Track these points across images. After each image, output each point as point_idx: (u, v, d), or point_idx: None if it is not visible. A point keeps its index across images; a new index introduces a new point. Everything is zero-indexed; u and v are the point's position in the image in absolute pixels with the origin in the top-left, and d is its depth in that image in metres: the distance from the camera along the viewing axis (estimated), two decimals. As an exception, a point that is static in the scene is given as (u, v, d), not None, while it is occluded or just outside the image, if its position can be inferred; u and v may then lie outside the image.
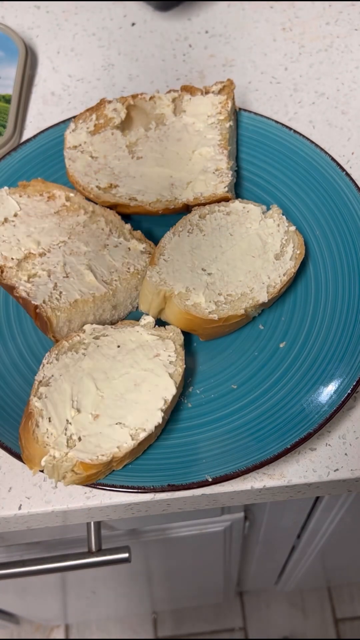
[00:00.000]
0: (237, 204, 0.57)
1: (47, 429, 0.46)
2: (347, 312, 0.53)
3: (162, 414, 0.47)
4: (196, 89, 0.63)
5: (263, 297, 0.52)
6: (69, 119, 0.63)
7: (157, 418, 0.47)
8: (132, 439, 0.46)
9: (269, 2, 0.77)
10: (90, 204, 0.59)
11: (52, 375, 0.49)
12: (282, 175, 0.60)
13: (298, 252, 0.55)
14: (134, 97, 0.62)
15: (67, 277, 0.53)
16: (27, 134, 0.69)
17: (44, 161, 0.63)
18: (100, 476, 0.47)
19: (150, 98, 0.63)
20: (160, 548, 0.87)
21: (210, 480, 0.47)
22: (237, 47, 0.74)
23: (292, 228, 0.56)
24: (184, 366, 0.50)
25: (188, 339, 0.54)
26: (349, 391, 0.49)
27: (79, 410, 0.47)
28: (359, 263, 0.55)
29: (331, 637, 1.44)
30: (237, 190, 0.61)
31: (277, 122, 0.62)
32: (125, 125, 0.62)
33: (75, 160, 0.60)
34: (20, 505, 0.50)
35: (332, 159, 0.59)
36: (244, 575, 1.21)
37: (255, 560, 1.07)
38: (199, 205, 0.57)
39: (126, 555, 0.57)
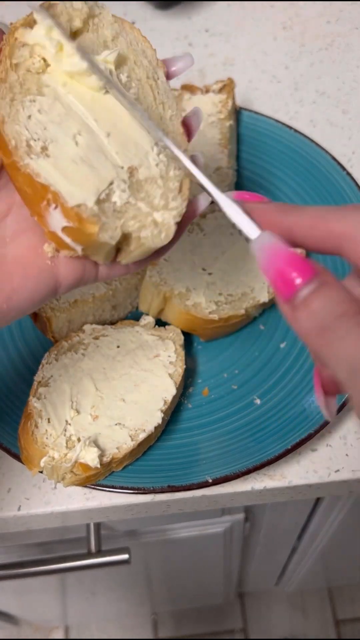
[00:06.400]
0: (237, 203, 0.57)
1: (46, 430, 0.46)
2: (349, 312, 0.53)
3: (162, 415, 0.47)
4: (196, 88, 0.62)
5: (264, 297, 0.52)
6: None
7: (157, 419, 0.47)
8: (132, 440, 0.46)
9: (270, 1, 0.77)
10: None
11: (52, 376, 0.49)
12: (282, 175, 0.60)
13: (299, 252, 0.54)
14: (133, 96, 0.62)
15: (67, 276, 0.53)
16: (27, 133, 0.69)
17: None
18: (99, 477, 0.46)
19: (150, 97, 0.62)
20: (160, 549, 0.87)
21: (210, 481, 0.46)
22: (238, 46, 0.74)
23: (293, 227, 0.55)
24: (184, 367, 0.50)
25: (188, 339, 0.54)
26: (350, 392, 0.49)
27: (78, 411, 0.47)
28: None
29: (332, 638, 1.43)
30: (238, 189, 0.61)
31: (277, 121, 0.62)
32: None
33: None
34: (20, 506, 0.50)
35: (333, 158, 0.59)
36: (245, 577, 1.21)
37: (255, 562, 1.07)
38: (199, 204, 0.57)
39: (126, 556, 0.57)
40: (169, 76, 0.37)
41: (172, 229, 0.33)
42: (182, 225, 0.35)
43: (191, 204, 0.36)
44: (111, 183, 0.32)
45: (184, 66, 0.37)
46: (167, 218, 0.33)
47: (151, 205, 0.33)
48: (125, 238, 0.32)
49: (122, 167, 0.33)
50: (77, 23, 0.35)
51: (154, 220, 0.33)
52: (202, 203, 0.36)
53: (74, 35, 0.35)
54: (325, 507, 0.76)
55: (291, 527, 0.87)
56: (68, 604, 1.22)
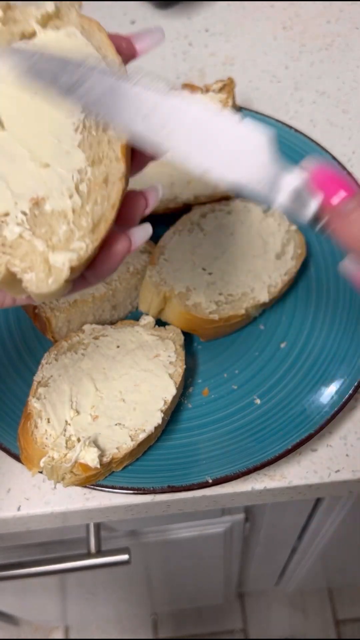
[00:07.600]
0: (237, 203, 0.57)
1: (45, 430, 0.46)
2: (349, 312, 0.53)
3: (162, 415, 0.47)
4: (196, 87, 0.62)
5: (264, 297, 0.52)
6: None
7: (157, 419, 0.47)
8: (132, 440, 0.46)
9: (270, 0, 0.77)
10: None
11: (51, 376, 0.48)
12: (282, 174, 0.60)
13: (299, 251, 0.54)
14: (133, 95, 0.62)
15: (67, 276, 0.53)
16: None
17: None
18: (99, 477, 0.46)
19: (150, 97, 0.62)
20: (160, 549, 0.87)
21: (210, 481, 0.46)
22: (238, 46, 0.74)
23: (293, 227, 0.55)
24: (184, 366, 0.50)
25: (188, 339, 0.54)
26: (350, 392, 0.49)
27: (78, 411, 0.47)
28: (360, 262, 0.55)
29: (332, 638, 1.43)
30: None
31: (277, 120, 0.62)
32: (125, 124, 0.62)
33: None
34: (19, 506, 0.50)
35: (333, 157, 0.59)
36: (245, 577, 1.21)
37: (255, 562, 1.06)
38: (199, 204, 0.56)
39: (126, 557, 0.57)
40: (136, 53, 0.34)
41: (64, 274, 0.28)
42: (100, 268, 0.30)
43: (124, 236, 0.31)
44: (6, 214, 0.29)
45: (151, 42, 0.34)
46: (60, 260, 0.28)
47: (49, 244, 0.28)
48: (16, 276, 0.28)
49: (24, 197, 0.29)
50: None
51: (46, 261, 0.28)
52: (140, 236, 0.31)
53: (29, 35, 0.33)
54: (325, 507, 0.76)
55: (291, 527, 0.87)
56: (68, 605, 1.22)
